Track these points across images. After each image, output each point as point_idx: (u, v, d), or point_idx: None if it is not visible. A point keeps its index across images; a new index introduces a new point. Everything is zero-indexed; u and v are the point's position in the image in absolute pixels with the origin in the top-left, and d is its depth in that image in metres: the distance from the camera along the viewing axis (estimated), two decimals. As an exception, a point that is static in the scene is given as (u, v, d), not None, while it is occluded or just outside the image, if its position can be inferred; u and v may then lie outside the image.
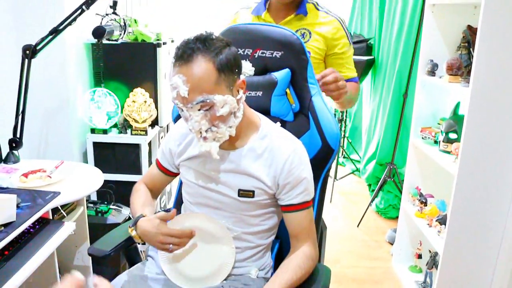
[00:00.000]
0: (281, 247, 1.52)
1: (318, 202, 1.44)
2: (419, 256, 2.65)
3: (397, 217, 2.85)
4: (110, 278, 1.40)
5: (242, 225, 1.35)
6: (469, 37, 2.24)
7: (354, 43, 3.98)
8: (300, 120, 1.50)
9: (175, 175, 1.50)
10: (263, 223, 1.37)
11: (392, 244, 3.04)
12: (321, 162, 1.42)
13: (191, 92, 1.13)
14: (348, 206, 3.84)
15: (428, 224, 2.36)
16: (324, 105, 1.44)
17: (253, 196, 1.30)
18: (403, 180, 2.80)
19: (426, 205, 2.47)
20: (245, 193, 1.30)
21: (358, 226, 3.40)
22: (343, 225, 3.47)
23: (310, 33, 1.74)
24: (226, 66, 1.15)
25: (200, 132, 1.20)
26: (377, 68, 3.99)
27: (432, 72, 2.39)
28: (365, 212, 3.42)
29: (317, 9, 1.78)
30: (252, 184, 1.29)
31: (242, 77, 1.23)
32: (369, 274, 2.78)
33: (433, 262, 2.41)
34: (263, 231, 1.38)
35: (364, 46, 3.98)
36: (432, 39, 2.42)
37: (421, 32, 2.54)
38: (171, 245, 1.23)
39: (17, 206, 1.61)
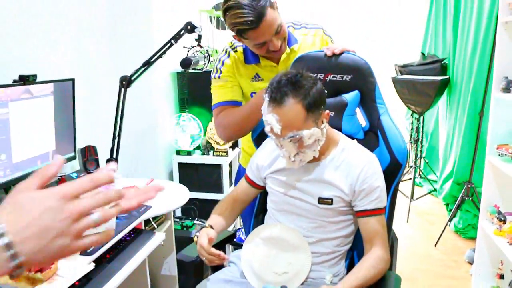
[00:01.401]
0: (353, 259, 1.61)
1: (388, 215, 1.52)
2: (501, 277, 2.58)
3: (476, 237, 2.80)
4: (194, 285, 1.57)
5: (321, 231, 1.49)
6: (545, 53, 2.22)
7: (428, 63, 4.00)
8: (370, 138, 1.60)
9: (261, 188, 1.66)
10: (341, 230, 1.50)
11: (471, 264, 2.97)
12: (390, 176, 1.50)
13: (283, 129, 1.32)
14: (425, 226, 3.79)
15: (508, 243, 2.32)
16: (392, 123, 1.53)
17: (331, 204, 1.45)
18: (481, 199, 2.75)
19: (505, 223, 2.42)
20: (324, 201, 1.46)
21: (435, 245, 3.36)
22: (420, 245, 3.43)
23: None
24: (313, 105, 1.34)
25: (289, 157, 1.38)
26: (452, 88, 3.96)
27: (507, 89, 2.38)
28: (442, 232, 3.37)
29: (297, 29, 1.80)
30: (331, 193, 1.44)
31: (326, 110, 1.40)
32: (447, 294, 2.75)
33: (515, 283, 2.35)
34: (340, 237, 1.50)
35: (438, 67, 3.96)
36: (506, 56, 2.41)
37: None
38: (204, 258, 1.43)
39: (116, 217, 1.83)
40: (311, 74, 1.40)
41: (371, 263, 1.38)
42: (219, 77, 1.82)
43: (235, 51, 1.81)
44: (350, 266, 1.57)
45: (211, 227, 1.51)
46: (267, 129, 1.37)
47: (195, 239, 1.49)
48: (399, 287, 1.39)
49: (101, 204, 0.59)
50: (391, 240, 1.53)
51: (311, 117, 1.33)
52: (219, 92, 1.84)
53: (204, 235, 1.43)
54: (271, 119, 1.33)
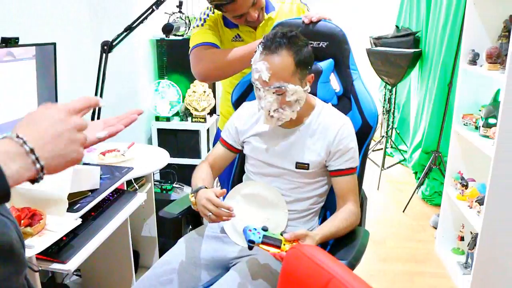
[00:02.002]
0: (326, 216, 1.73)
1: (359, 174, 1.63)
2: (462, 239, 2.76)
3: (442, 203, 2.97)
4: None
5: (297, 191, 1.59)
6: (510, 26, 2.34)
7: (401, 36, 4.10)
8: (343, 102, 1.70)
9: (237, 151, 1.71)
10: (315, 190, 1.60)
11: (436, 228, 3.15)
12: (362, 138, 1.61)
13: (271, 78, 1.39)
14: (395, 193, 3.97)
15: (469, 206, 2.48)
16: (364, 88, 1.63)
17: (308, 169, 1.54)
18: (448, 167, 2.91)
19: (467, 188, 2.58)
20: (301, 165, 1.54)
21: (404, 211, 3.53)
22: (390, 211, 3.61)
23: None
24: (302, 63, 1.41)
25: (269, 111, 1.44)
26: (424, 60, 4.08)
27: (473, 62, 2.50)
28: (410, 198, 3.54)
29: None
30: (308, 157, 1.53)
31: (311, 74, 1.48)
32: (413, 255, 2.92)
33: (474, 243, 2.51)
34: (315, 196, 1.61)
35: (411, 39, 4.07)
36: (474, 30, 2.53)
37: (464, 24, 2.65)
38: (210, 213, 1.36)
39: (100, 177, 1.90)
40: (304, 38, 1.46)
41: (343, 215, 1.49)
42: (202, 25, 1.83)
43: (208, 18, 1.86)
44: (322, 222, 1.69)
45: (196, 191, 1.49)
46: (255, 76, 1.42)
47: (192, 199, 1.48)
48: (367, 240, 1.51)
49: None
50: (361, 198, 1.65)
51: (298, 74, 1.41)
52: (201, 35, 1.81)
53: (210, 191, 1.40)
54: (261, 66, 1.39)
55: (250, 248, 1.32)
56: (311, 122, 1.55)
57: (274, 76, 1.39)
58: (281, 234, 1.35)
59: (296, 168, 1.55)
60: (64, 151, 0.66)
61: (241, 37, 1.87)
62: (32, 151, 0.62)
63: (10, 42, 1.86)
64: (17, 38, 1.90)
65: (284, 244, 1.31)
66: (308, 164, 1.53)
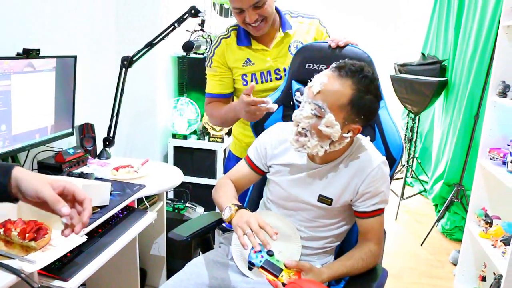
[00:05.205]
0: (342, 252, 1.64)
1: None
2: (483, 279, 2.62)
3: (462, 239, 2.85)
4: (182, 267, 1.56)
5: (314, 230, 1.49)
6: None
7: (427, 64, 4.02)
8: (367, 132, 1.61)
9: (263, 174, 1.61)
10: (333, 230, 1.50)
11: (455, 265, 3.02)
12: (383, 170, 1.52)
13: (319, 93, 1.29)
14: (413, 225, 3.84)
15: (493, 245, 2.36)
16: (390, 118, 1.56)
17: (330, 204, 1.43)
18: (470, 202, 2.79)
19: (492, 226, 2.46)
20: (324, 199, 1.43)
21: (421, 245, 3.40)
22: (407, 243, 3.48)
23: (302, 43, 1.81)
24: (357, 105, 1.29)
25: (297, 126, 1.35)
26: (450, 90, 3.98)
27: (503, 94, 2.41)
28: (429, 232, 3.41)
29: (293, 17, 1.86)
30: (332, 192, 1.42)
31: (359, 126, 1.34)
32: (430, 292, 2.79)
33: (497, 285, 2.38)
34: (332, 236, 1.51)
35: (437, 68, 3.98)
36: (505, 60, 2.43)
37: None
38: (249, 230, 1.25)
39: (110, 194, 1.85)
40: (381, 92, 1.37)
41: (361, 255, 1.39)
42: (210, 66, 1.90)
43: (228, 37, 1.86)
44: (338, 257, 1.60)
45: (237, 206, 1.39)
46: (309, 84, 1.34)
47: (231, 212, 1.37)
48: (385, 280, 1.41)
49: None
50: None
51: (345, 113, 1.30)
52: (209, 83, 1.95)
53: (255, 213, 1.33)
54: (319, 79, 1.31)
55: (250, 269, 1.34)
56: (344, 159, 1.43)
57: (322, 94, 1.29)
58: (284, 264, 1.31)
59: (318, 201, 1.44)
60: None
61: (252, 61, 1.83)
62: None
63: (31, 53, 1.86)
64: (38, 50, 1.90)
65: (282, 275, 1.27)
66: (331, 200, 1.43)
